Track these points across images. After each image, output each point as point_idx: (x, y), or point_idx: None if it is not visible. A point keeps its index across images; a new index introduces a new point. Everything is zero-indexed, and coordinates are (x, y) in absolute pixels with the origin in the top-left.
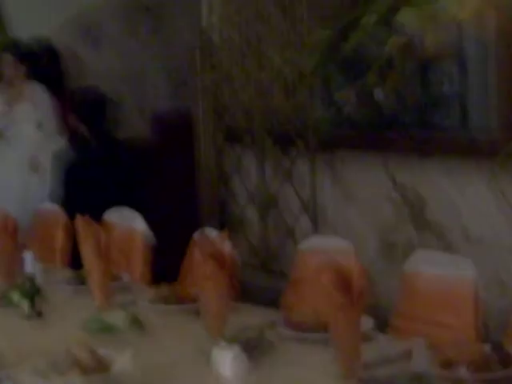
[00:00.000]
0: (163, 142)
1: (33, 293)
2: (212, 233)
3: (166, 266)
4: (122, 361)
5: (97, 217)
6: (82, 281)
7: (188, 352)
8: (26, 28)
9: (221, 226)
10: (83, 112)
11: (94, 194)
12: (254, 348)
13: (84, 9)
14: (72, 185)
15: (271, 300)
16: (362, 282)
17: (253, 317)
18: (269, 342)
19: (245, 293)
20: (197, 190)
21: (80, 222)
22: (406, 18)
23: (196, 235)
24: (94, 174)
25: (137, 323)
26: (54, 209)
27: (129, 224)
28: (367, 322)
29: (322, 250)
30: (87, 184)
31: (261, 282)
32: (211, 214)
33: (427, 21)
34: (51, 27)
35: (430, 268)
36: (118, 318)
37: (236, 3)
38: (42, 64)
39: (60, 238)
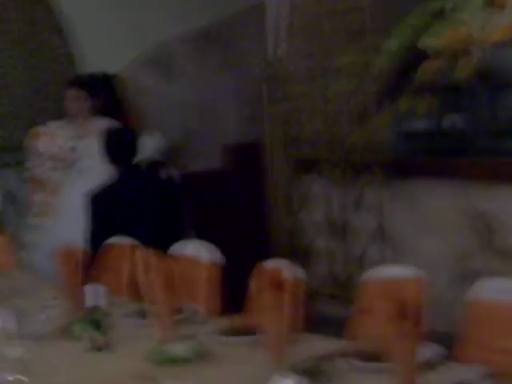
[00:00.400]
0: (233, 173)
1: (97, 325)
2: (279, 262)
3: (232, 296)
4: None
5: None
6: (146, 313)
7: (252, 383)
8: (99, 63)
9: (290, 255)
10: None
11: (145, 227)
12: (316, 377)
13: (156, 43)
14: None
15: (339, 329)
16: (421, 311)
17: (319, 346)
18: (332, 370)
19: (313, 323)
20: (266, 220)
21: (142, 253)
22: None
23: (263, 265)
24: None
25: (201, 354)
26: (122, 241)
27: (195, 255)
28: (435, 350)
29: (388, 279)
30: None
31: (329, 312)
32: (280, 243)
33: (460, 44)
34: (124, 61)
35: (496, 294)
36: (182, 349)
37: (303, 35)
38: (107, 98)
39: (127, 270)
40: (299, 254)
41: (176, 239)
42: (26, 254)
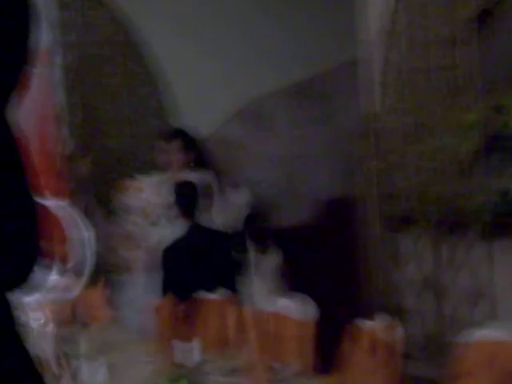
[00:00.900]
0: (326, 228)
1: (187, 382)
2: (375, 322)
3: (325, 356)
4: None
5: None
6: (237, 371)
7: None
8: (193, 117)
9: (381, 313)
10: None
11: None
12: None
13: (251, 97)
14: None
15: None
16: None
17: None
18: None
19: None
20: (357, 277)
21: (235, 310)
22: None
23: (357, 325)
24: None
25: None
26: (223, 296)
27: (286, 312)
28: None
29: (489, 342)
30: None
31: (420, 374)
32: (371, 301)
33: None
34: (218, 115)
35: None
36: None
37: (397, 91)
38: (197, 152)
39: (217, 326)
40: (391, 313)
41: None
42: (117, 310)
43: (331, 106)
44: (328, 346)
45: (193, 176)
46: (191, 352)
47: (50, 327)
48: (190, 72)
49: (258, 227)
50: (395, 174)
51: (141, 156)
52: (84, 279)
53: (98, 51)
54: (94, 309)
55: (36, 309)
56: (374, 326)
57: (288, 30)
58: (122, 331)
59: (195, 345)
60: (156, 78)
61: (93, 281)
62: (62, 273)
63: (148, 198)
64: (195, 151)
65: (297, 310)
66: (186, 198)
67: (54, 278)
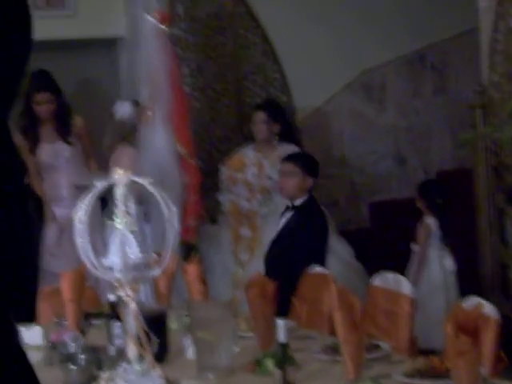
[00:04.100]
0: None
1: (285, 361)
2: (478, 301)
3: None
4: None
5: None
6: (338, 350)
7: None
8: (309, 88)
9: (501, 288)
10: None
11: None
12: None
13: (367, 69)
14: None
15: None
16: None
17: None
18: None
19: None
20: (477, 251)
21: (337, 288)
22: None
23: (460, 305)
24: None
25: None
26: (322, 272)
27: (395, 289)
28: None
29: None
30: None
31: None
32: (491, 280)
33: None
34: (334, 87)
35: None
36: None
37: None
38: (285, 123)
39: (328, 304)
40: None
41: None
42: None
43: (451, 76)
44: None
45: (283, 147)
46: (279, 330)
47: (132, 305)
48: (302, 43)
49: None
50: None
51: (246, 129)
52: (166, 258)
53: (207, 22)
54: (189, 284)
55: (118, 287)
56: (479, 306)
57: (400, 1)
58: (216, 307)
59: (282, 323)
60: (267, 50)
61: (187, 258)
62: (144, 251)
63: (255, 173)
64: (280, 124)
65: (406, 286)
66: None
67: (135, 256)
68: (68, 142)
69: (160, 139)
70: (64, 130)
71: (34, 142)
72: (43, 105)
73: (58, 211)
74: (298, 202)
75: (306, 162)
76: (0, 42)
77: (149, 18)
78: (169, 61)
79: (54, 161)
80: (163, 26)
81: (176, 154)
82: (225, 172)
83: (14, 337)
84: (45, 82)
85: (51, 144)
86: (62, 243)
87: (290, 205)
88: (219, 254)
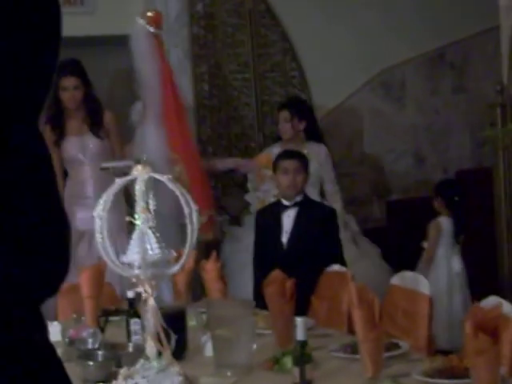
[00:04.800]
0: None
1: (303, 359)
2: (498, 300)
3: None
4: None
5: None
6: (357, 349)
7: None
8: (328, 87)
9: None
10: None
11: None
12: None
13: (387, 67)
14: None
15: None
16: None
17: None
18: None
19: None
20: (496, 251)
21: (356, 287)
22: None
23: (478, 304)
24: None
25: None
26: (341, 270)
27: (413, 288)
28: None
29: None
30: None
31: None
32: (509, 280)
33: None
34: (354, 85)
35: None
36: None
37: None
38: (310, 122)
39: (346, 302)
40: None
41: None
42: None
43: (471, 75)
44: None
45: (311, 146)
46: (297, 328)
47: (151, 302)
48: (321, 41)
49: None
50: None
51: (266, 127)
52: (186, 255)
53: (226, 20)
54: (208, 282)
55: (136, 284)
56: (498, 305)
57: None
58: (234, 304)
59: (301, 321)
60: (286, 48)
61: (206, 255)
62: (163, 247)
63: (260, 170)
64: (306, 121)
65: (425, 286)
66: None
67: (154, 252)
68: (98, 136)
69: (151, 139)
70: (94, 121)
71: (60, 134)
72: (69, 91)
73: (80, 214)
74: (298, 198)
75: (306, 159)
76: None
77: (138, 20)
78: (159, 63)
79: (81, 155)
80: (152, 29)
81: (166, 154)
82: (256, 170)
83: (45, 332)
84: (71, 66)
85: (79, 136)
86: (92, 255)
87: (287, 203)
88: (245, 254)
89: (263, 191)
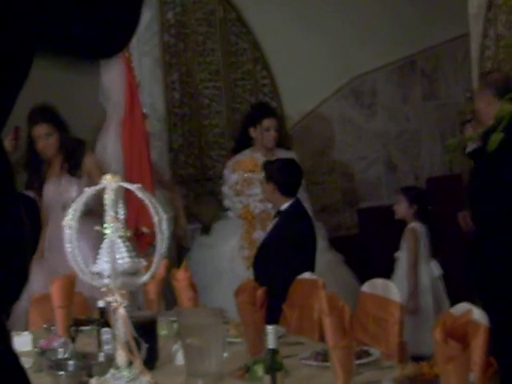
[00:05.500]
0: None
1: (274, 368)
2: (467, 307)
3: None
4: None
5: None
6: (328, 357)
7: None
8: (299, 94)
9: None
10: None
11: None
12: None
13: (358, 74)
14: None
15: None
16: None
17: None
18: None
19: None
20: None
21: (327, 294)
22: None
23: (449, 312)
24: None
25: None
26: (312, 278)
27: (384, 295)
28: None
29: None
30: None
31: None
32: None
33: None
34: (324, 93)
35: None
36: None
37: (509, 66)
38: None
39: (317, 310)
40: None
41: None
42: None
43: (441, 82)
44: None
45: (285, 154)
46: (268, 337)
47: (121, 311)
48: (292, 49)
49: None
50: None
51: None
52: (156, 264)
53: (197, 28)
54: (178, 291)
55: (107, 293)
56: (468, 312)
57: (390, 8)
58: (205, 313)
59: (272, 330)
60: (257, 56)
61: (175, 263)
62: (133, 257)
63: (244, 174)
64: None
65: (395, 293)
66: (292, 176)
67: (124, 261)
68: (78, 178)
69: (111, 147)
70: (70, 164)
71: (40, 181)
72: (43, 139)
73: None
74: (283, 206)
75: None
76: None
77: None
78: (124, 77)
79: (59, 199)
80: None
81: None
82: (239, 175)
83: (9, 341)
84: (42, 112)
85: (57, 181)
86: None
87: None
88: (218, 262)
89: (248, 196)
